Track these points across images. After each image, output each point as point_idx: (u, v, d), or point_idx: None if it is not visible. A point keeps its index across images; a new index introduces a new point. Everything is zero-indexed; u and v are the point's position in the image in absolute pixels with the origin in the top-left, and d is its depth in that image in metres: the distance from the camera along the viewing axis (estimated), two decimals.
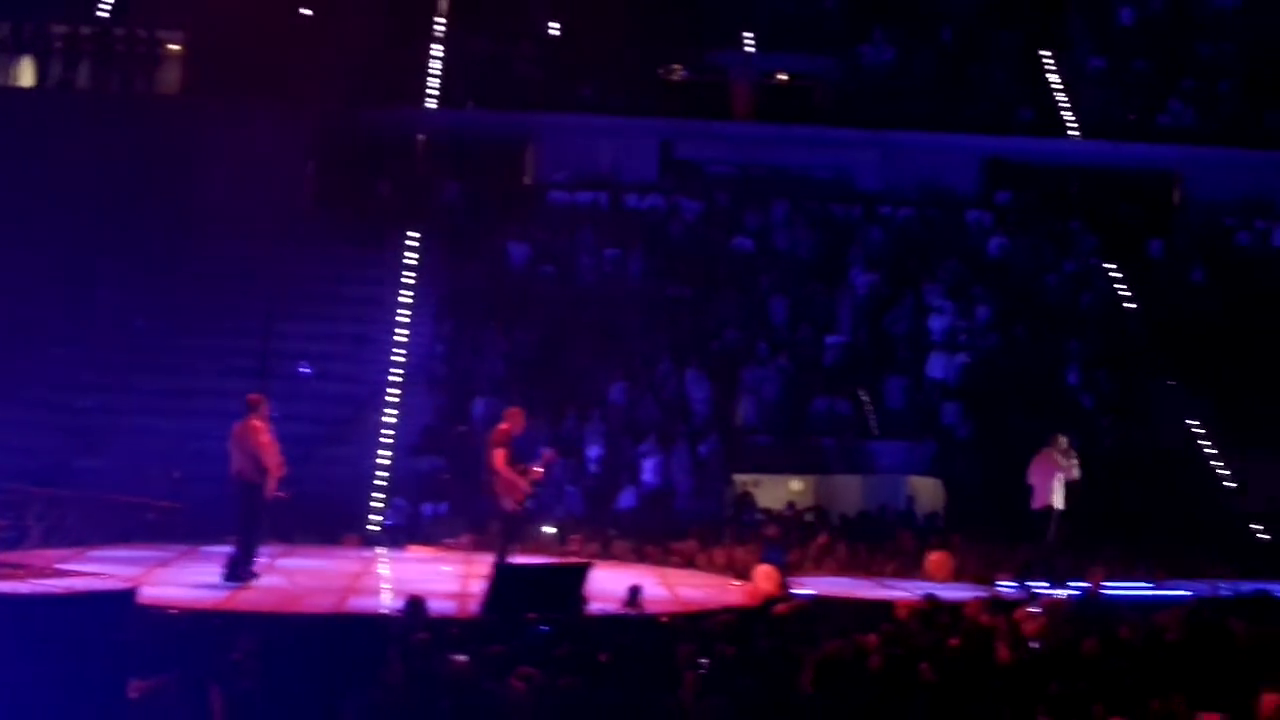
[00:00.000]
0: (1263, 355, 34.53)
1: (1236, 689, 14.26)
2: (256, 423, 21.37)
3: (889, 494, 32.38)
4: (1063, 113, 41.05)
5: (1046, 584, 24.58)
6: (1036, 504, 25.46)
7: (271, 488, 21.33)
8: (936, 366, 34.29)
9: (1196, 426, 33.30)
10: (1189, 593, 23.27)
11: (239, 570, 21.21)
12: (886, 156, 39.34)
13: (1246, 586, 23.76)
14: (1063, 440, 25.79)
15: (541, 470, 22.54)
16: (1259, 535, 30.12)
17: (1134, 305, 37.14)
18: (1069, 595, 22.82)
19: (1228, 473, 32.25)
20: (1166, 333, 35.98)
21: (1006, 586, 24.28)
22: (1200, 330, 35.80)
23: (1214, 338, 35.46)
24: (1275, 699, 13.54)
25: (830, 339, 34.67)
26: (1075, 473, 25.52)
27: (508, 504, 21.94)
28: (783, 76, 41.69)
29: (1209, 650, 16.53)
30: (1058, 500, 25.35)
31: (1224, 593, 22.93)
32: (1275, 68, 41.58)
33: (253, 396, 22.09)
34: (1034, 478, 25.75)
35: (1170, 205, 40.88)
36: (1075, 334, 35.34)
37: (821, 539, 27.93)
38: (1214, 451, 32.78)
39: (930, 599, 19.59)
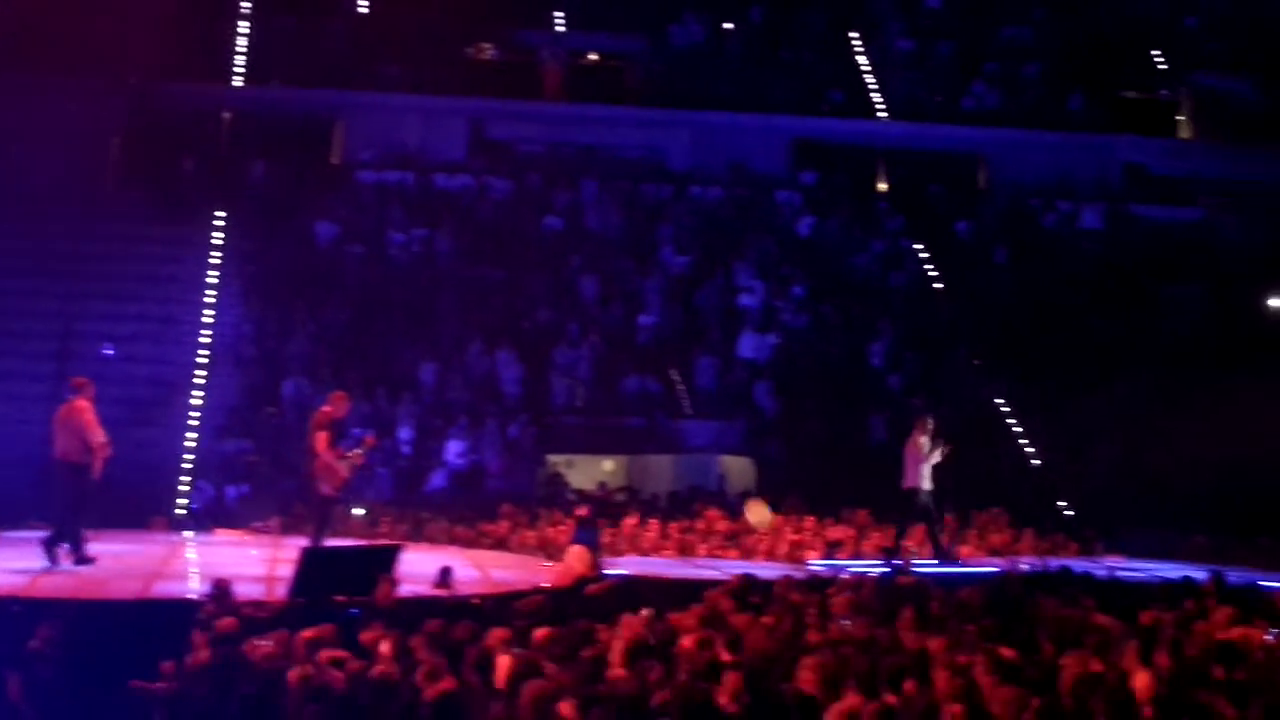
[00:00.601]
0: (1065, 335, 35.01)
1: (1041, 663, 14.41)
2: (82, 403, 20.88)
3: (700, 473, 32.46)
4: (871, 94, 41.42)
5: (938, 563, 24.70)
6: (905, 484, 25.49)
7: (98, 469, 20.83)
8: (747, 346, 34.48)
9: (1002, 405, 33.67)
10: (994, 569, 23.44)
11: (75, 554, 20.68)
12: (696, 137, 39.50)
13: (1052, 563, 24.04)
14: (929, 422, 25.84)
15: (362, 455, 22.28)
16: (1064, 512, 30.50)
17: (941, 285, 37.52)
18: (879, 573, 22.95)
19: (1032, 450, 32.69)
20: (972, 312, 36.43)
21: (820, 565, 24.42)
22: (1004, 310, 36.34)
23: (1017, 318, 35.99)
24: (1075, 666, 13.72)
25: (641, 319, 34.77)
26: (936, 456, 25.56)
27: (325, 488, 21.63)
28: (593, 56, 41.74)
29: (1013, 625, 16.71)
30: (925, 481, 25.37)
31: (1028, 569, 23.16)
32: (1078, 51, 42.30)
33: (77, 379, 21.55)
34: (905, 459, 25.76)
35: (976, 187, 41.41)
36: (883, 313, 35.66)
37: (632, 519, 27.90)
38: (1019, 430, 33.17)
39: (744, 578, 19.61)
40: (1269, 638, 16.15)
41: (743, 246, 37.03)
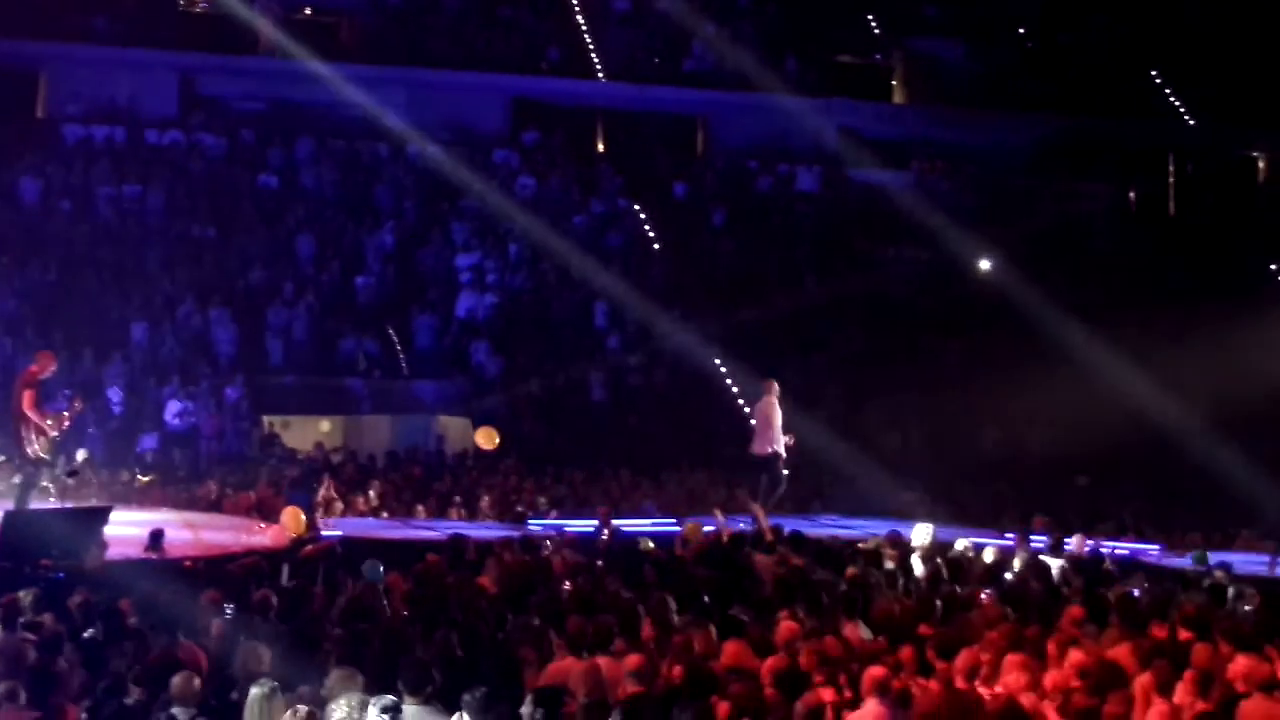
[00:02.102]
0: (781, 296, 35.56)
1: (759, 618, 14.64)
2: None
3: (419, 434, 32.40)
4: (589, 54, 41.51)
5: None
6: (756, 449, 25.28)
7: None
8: (465, 306, 34.47)
9: (719, 365, 34.08)
10: (711, 528, 23.62)
11: None
12: (414, 95, 39.14)
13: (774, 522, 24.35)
14: (775, 386, 25.73)
15: (69, 417, 21.80)
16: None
17: (659, 246, 37.79)
18: (590, 531, 23.12)
19: (748, 410, 33.04)
20: (690, 273, 36.75)
21: (538, 525, 24.53)
22: (722, 271, 36.78)
23: (735, 279, 36.44)
24: (792, 626, 13.99)
25: (359, 278, 34.57)
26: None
27: (32, 449, 21.12)
28: (308, 11, 41.22)
29: (732, 581, 16.94)
30: (779, 445, 25.25)
31: (744, 528, 23.44)
32: (794, 14, 42.83)
33: None
34: (756, 423, 25.55)
35: (695, 148, 41.79)
36: (602, 274, 35.83)
37: (349, 480, 27.76)
38: (736, 390, 33.62)
39: (455, 538, 19.66)
40: (984, 596, 16.64)
41: (461, 206, 36.91)
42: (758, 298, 35.43)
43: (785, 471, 24.37)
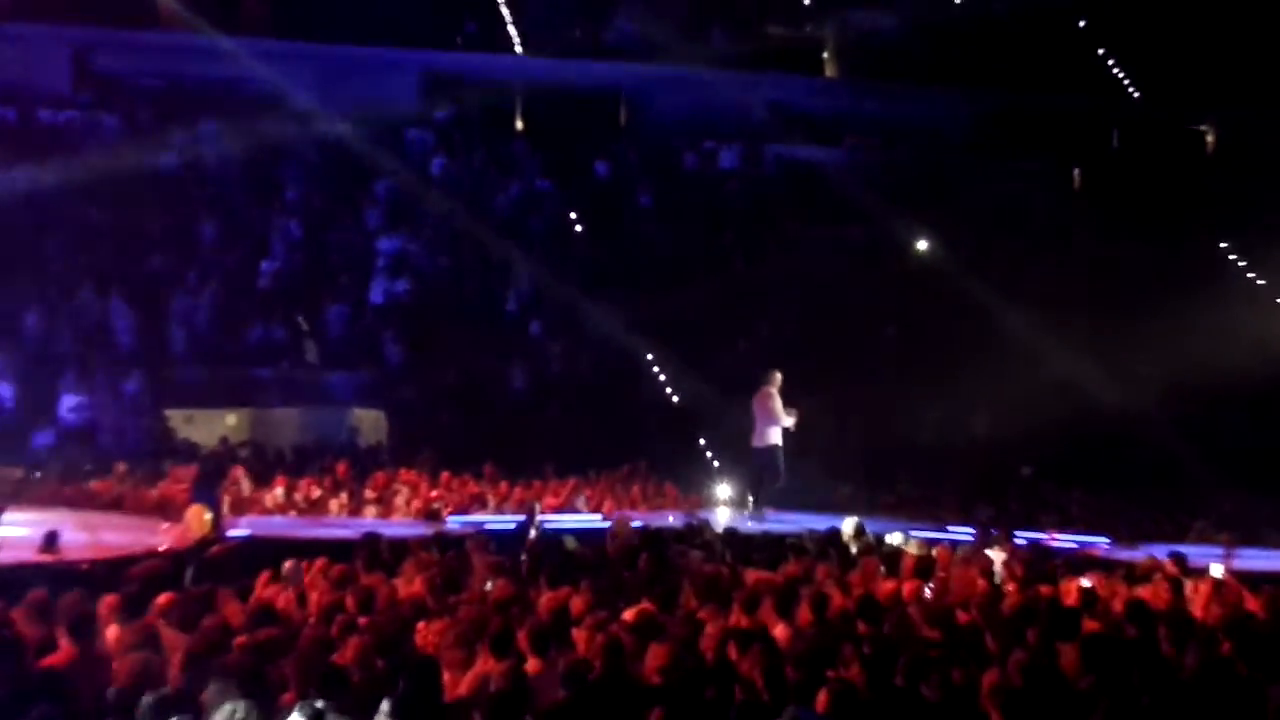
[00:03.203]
0: (708, 280, 35.48)
1: (684, 619, 14.58)
2: None
3: (330, 427, 32.06)
4: (506, 26, 41.39)
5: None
6: (758, 442, 25.48)
7: None
8: (378, 291, 34.20)
9: (645, 353, 33.94)
10: (641, 523, 23.57)
11: None
12: (322, 71, 38.82)
13: (697, 517, 24.33)
14: (778, 376, 25.92)
15: None
16: (713, 461, 30.83)
17: (580, 228, 37.65)
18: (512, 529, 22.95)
19: (676, 399, 32.99)
20: (613, 256, 36.63)
21: (457, 522, 24.36)
22: (647, 253, 36.64)
23: (660, 260, 36.31)
24: (717, 621, 13.95)
25: (265, 264, 34.25)
26: (789, 419, 25.71)
27: None
28: None
29: (657, 580, 16.87)
30: (776, 438, 25.47)
31: (673, 523, 23.46)
32: None
33: None
34: (755, 415, 25.82)
35: (617, 125, 41.63)
36: (522, 258, 35.62)
37: (256, 476, 27.44)
38: (663, 377, 33.49)
39: (369, 537, 19.45)
40: (927, 592, 16.56)
41: (372, 187, 36.60)
42: (684, 281, 35.34)
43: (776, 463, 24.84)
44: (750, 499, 26.12)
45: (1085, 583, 17.39)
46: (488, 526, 23.16)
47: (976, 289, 34.10)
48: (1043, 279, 36.95)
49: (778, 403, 25.41)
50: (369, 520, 24.66)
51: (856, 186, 39.15)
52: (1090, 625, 14.76)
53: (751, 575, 17.25)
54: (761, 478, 26.11)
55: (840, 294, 36.38)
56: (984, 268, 35.73)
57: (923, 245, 38.03)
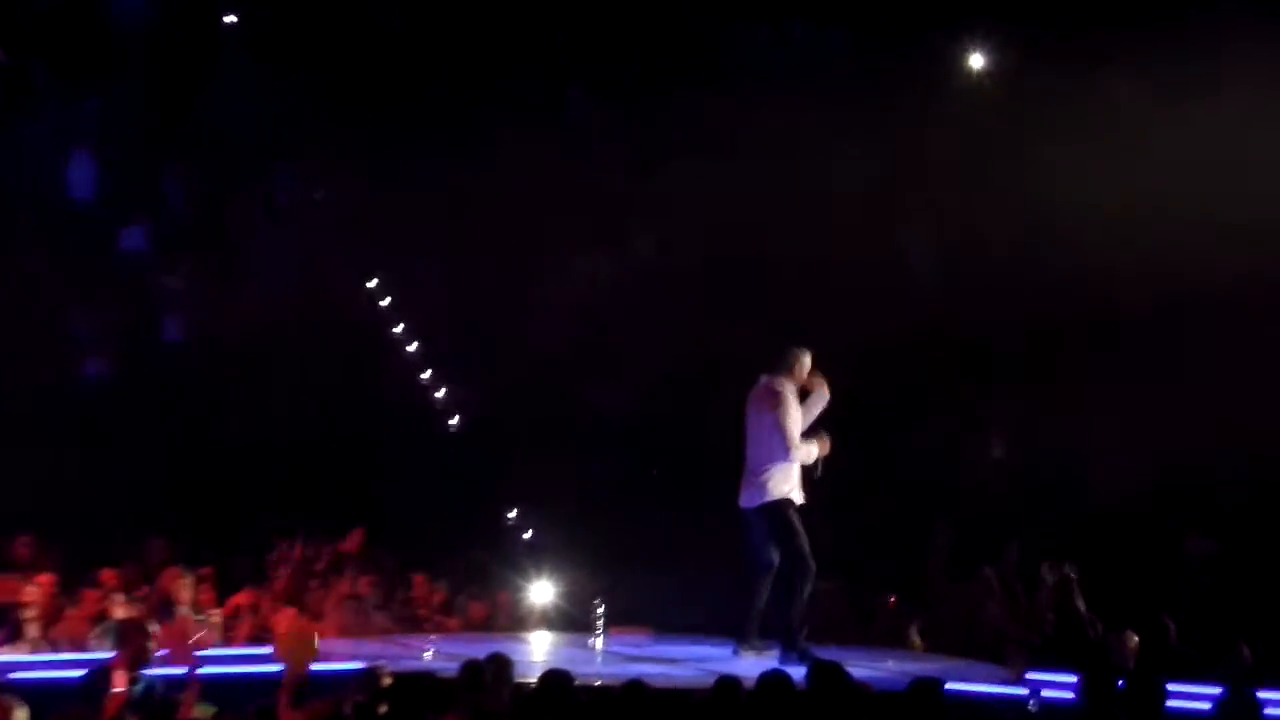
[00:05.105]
0: None
1: None
2: None
3: None
4: None
5: None
6: (758, 497, 18.30)
7: None
8: None
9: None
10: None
11: None
12: None
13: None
14: (804, 359, 18.19)
15: None
16: (509, 521, 21.40)
17: None
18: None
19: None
20: None
21: None
22: None
23: None
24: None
25: None
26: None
27: None
28: None
29: None
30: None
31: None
32: None
33: None
34: (752, 439, 18.58)
35: None
36: None
37: None
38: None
39: None
40: None
41: None
42: None
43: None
44: (749, 617, 14.55)
45: None
46: (14, 676, 12.56)
47: None
48: None
49: (795, 414, 13.53)
50: None
51: None
52: None
53: None
54: (781, 571, 14.33)
55: None
56: None
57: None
